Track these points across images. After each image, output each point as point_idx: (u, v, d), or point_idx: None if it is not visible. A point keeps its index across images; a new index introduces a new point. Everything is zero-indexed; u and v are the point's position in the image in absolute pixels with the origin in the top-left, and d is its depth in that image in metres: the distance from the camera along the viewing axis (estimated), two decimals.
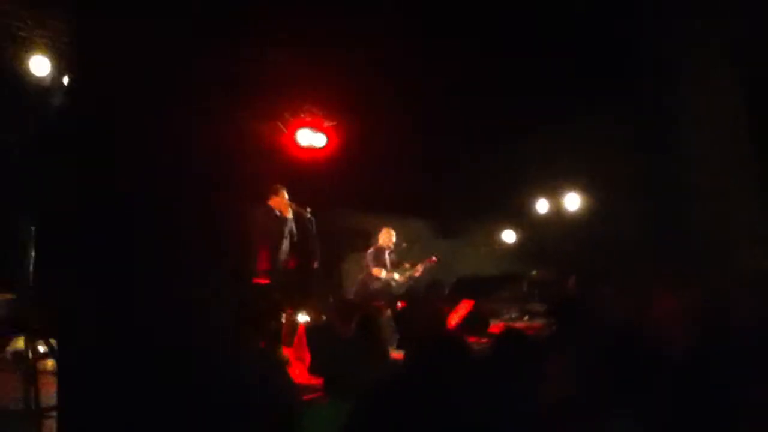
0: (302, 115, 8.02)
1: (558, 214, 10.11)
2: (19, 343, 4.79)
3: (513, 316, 8.39)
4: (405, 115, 8.95)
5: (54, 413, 3.67)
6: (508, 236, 10.76)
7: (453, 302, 7.61)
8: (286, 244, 6.64)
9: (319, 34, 7.28)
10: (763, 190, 8.98)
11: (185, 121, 3.39)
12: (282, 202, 6.65)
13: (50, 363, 4.50)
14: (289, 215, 6.66)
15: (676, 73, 9.55)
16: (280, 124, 7.39)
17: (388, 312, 6.27)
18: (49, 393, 3.83)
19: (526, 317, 8.33)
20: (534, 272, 8.87)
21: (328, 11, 7.09)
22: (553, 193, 10.11)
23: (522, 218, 10.59)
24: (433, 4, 8.05)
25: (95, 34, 3.36)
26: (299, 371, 4.87)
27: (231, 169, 3.70)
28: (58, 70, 5.90)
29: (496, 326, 7.57)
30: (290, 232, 6.66)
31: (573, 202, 9.88)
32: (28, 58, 5.86)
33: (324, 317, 6.50)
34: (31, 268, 4.54)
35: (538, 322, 7.96)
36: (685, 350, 4.06)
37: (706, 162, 9.27)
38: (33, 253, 4.62)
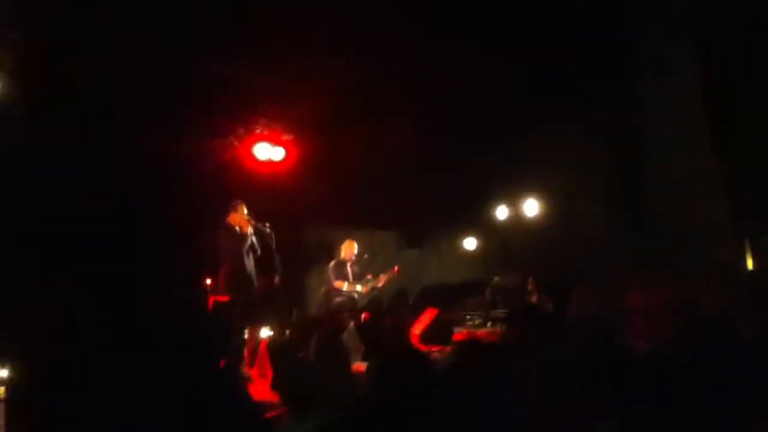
0: (259, 129, 7.95)
1: (518, 220, 10.24)
2: None
3: (476, 323, 8.44)
4: (364, 127, 8.98)
5: None
6: (470, 244, 10.84)
7: (417, 312, 7.62)
8: (247, 261, 6.55)
9: (276, 45, 7.25)
10: (727, 185, 9.25)
11: (139, 141, 3.35)
12: (241, 218, 6.57)
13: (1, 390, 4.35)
14: (249, 231, 6.58)
15: (636, 70, 9.79)
16: (233, 138, 7.31)
17: (352, 324, 6.23)
18: None
19: (489, 324, 8.38)
20: (496, 279, 8.94)
21: (287, 22, 7.07)
22: (513, 199, 10.23)
23: (483, 225, 10.69)
24: (392, 14, 8.11)
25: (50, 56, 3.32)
26: (261, 388, 4.80)
27: (187, 188, 3.66)
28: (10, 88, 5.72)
29: (460, 334, 7.60)
30: (251, 248, 6.57)
31: (531, 207, 10.01)
32: None
33: (287, 333, 6.43)
34: None
35: (501, 329, 8.02)
36: (655, 347, 4.13)
37: (668, 157, 9.51)
38: None
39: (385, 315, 7.52)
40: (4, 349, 3.80)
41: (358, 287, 7.54)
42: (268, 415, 4.09)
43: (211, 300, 5.72)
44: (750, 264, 9.35)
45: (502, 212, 10.18)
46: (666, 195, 9.46)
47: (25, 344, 3.11)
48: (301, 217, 10.28)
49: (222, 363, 4.13)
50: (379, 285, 7.77)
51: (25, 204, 3.12)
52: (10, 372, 3.65)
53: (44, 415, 2.91)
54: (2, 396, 3.98)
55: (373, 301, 7.65)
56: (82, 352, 3.04)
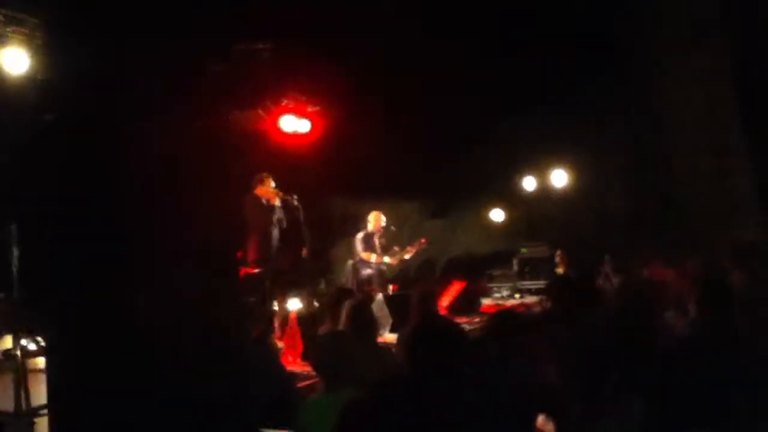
0: (285, 102, 7.94)
1: (545, 191, 10.13)
2: (8, 342, 4.75)
3: (504, 294, 8.42)
4: (389, 97, 8.90)
5: (45, 412, 3.65)
6: (497, 215, 10.76)
7: (445, 283, 7.62)
8: (275, 233, 6.60)
9: (300, 20, 7.20)
10: (754, 163, 9.05)
11: (169, 115, 3.35)
12: (268, 191, 6.61)
13: (40, 361, 4.46)
14: (277, 203, 6.61)
15: (662, 48, 9.58)
16: (260, 111, 7.31)
17: (380, 296, 6.26)
18: (40, 392, 3.81)
19: (518, 295, 8.36)
20: (523, 250, 8.89)
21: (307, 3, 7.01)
22: (540, 170, 10.11)
23: (510, 196, 10.60)
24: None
25: (72, 35, 3.31)
26: (292, 359, 4.86)
27: (216, 161, 3.67)
28: (35, 67, 5.77)
29: (488, 306, 7.60)
30: (278, 220, 6.62)
31: (560, 178, 9.88)
32: (3, 54, 5.70)
33: (316, 304, 6.48)
34: (18, 266, 4.48)
35: (529, 300, 8.00)
36: (684, 323, 4.09)
37: (693, 131, 9.32)
38: (19, 252, 4.55)
39: (413, 286, 7.55)
40: (43, 318, 3.90)
41: (386, 259, 7.55)
42: (300, 385, 4.16)
43: (242, 272, 5.79)
44: None
45: (529, 183, 10.07)
46: (692, 170, 9.31)
47: (64, 315, 3.16)
48: (328, 189, 10.29)
49: (255, 334, 4.18)
50: (407, 257, 7.77)
51: (59, 176, 3.14)
52: (49, 342, 3.73)
53: (83, 386, 2.97)
54: (42, 366, 4.10)
55: (401, 273, 7.67)
56: (119, 319, 3.08)
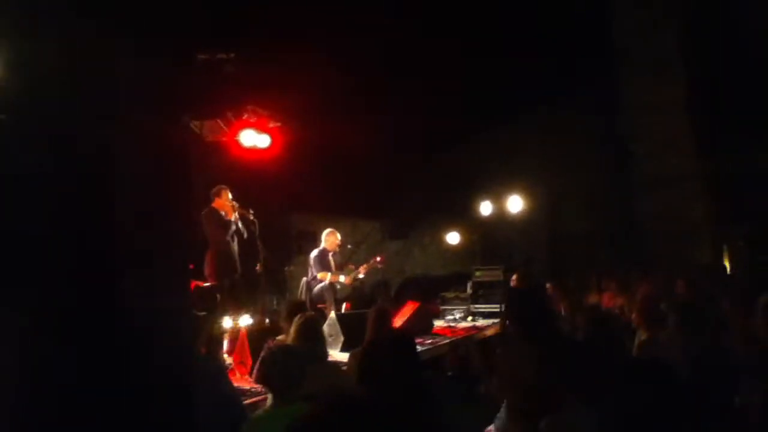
0: (246, 116, 7.90)
1: (501, 215, 10.29)
2: None
3: (457, 317, 8.47)
4: (351, 117, 8.95)
5: None
6: (453, 238, 10.88)
7: (398, 303, 7.63)
8: (232, 247, 6.55)
9: (266, 33, 7.21)
10: (709, 186, 9.40)
11: (125, 124, 3.29)
12: (226, 204, 6.56)
13: None
14: (233, 217, 6.57)
15: (624, 79, 9.91)
16: (221, 123, 7.27)
17: (333, 314, 6.23)
18: None
19: (470, 318, 8.43)
20: (478, 273, 8.98)
21: (277, 10, 7.03)
22: (497, 194, 10.28)
23: (467, 220, 10.73)
24: (383, 10, 8.10)
25: (34, 35, 3.24)
26: (241, 375, 4.80)
27: (176, 170, 3.61)
28: None
29: (440, 328, 7.64)
30: (235, 233, 6.56)
31: (515, 203, 10.06)
32: None
33: (266, 321, 6.42)
34: None
35: (482, 323, 8.07)
36: (636, 342, 4.21)
37: (653, 157, 9.63)
38: None
39: (368, 306, 7.54)
40: None
41: (341, 278, 7.53)
42: (248, 401, 4.09)
43: (193, 285, 5.69)
44: (727, 265, 9.51)
45: (485, 207, 10.22)
46: (651, 194, 9.62)
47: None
48: (285, 205, 10.26)
49: (203, 349, 4.11)
50: (361, 275, 7.76)
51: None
52: None
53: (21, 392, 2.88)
54: None
55: (355, 292, 7.65)
56: (68, 338, 2.99)
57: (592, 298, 7.39)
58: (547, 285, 6.92)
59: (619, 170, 9.98)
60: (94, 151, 3.10)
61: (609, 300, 7.05)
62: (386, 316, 4.88)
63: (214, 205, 6.55)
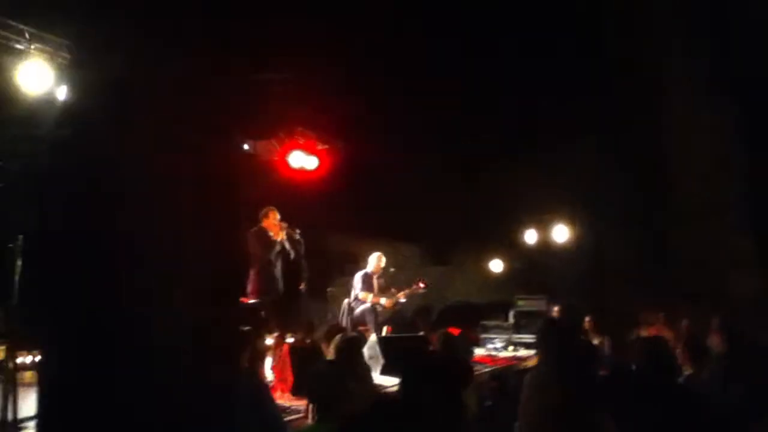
0: (295, 137, 8.07)
1: (546, 244, 10.18)
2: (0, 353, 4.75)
3: (498, 346, 8.38)
4: (398, 142, 9.05)
5: (30, 424, 3.64)
6: (496, 265, 10.80)
7: (439, 329, 7.59)
8: (277, 266, 6.64)
9: (318, 57, 7.39)
10: (753, 217, 9.13)
11: (180, 143, 3.41)
12: (273, 224, 6.68)
13: (29, 375, 4.46)
14: (280, 237, 6.67)
15: (668, 103, 9.74)
16: (274, 142, 7.44)
17: (373, 337, 6.25)
18: (27, 405, 3.80)
19: (511, 348, 8.32)
20: (520, 302, 8.88)
21: (328, 36, 7.21)
22: (542, 223, 10.18)
23: (510, 248, 10.65)
24: (429, 34, 8.21)
25: (94, 57, 3.40)
26: (282, 392, 4.85)
27: (226, 191, 3.72)
28: (56, 83, 5.89)
29: (480, 357, 7.57)
30: (281, 253, 6.66)
31: (561, 233, 9.94)
32: (25, 71, 5.81)
33: (308, 340, 6.47)
34: (18, 279, 4.51)
35: (523, 353, 7.96)
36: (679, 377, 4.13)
37: (697, 192, 9.42)
38: (20, 264, 4.59)
39: (407, 330, 7.54)
40: (35, 333, 3.91)
41: (382, 300, 7.55)
42: (288, 419, 4.14)
43: (240, 302, 5.80)
44: None
45: (530, 236, 10.13)
46: (693, 226, 9.40)
47: (57, 329, 3.18)
48: (329, 226, 10.36)
49: (247, 364, 4.18)
50: (402, 299, 7.77)
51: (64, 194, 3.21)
52: (41, 356, 3.73)
53: (74, 401, 2.97)
54: (34, 380, 4.09)
55: (395, 315, 7.65)
56: (110, 343, 3.10)
57: (641, 332, 7.22)
58: (586, 319, 6.81)
59: (663, 199, 9.79)
60: (146, 169, 3.22)
61: (657, 333, 6.89)
62: (424, 343, 4.90)
63: (262, 225, 6.69)
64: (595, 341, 6.30)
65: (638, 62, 9.59)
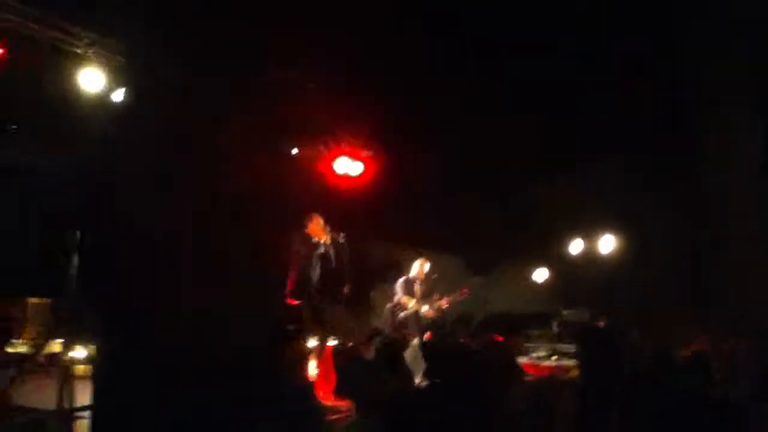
0: (341, 143, 8.16)
1: (592, 256, 10.01)
2: (55, 347, 4.93)
3: (541, 354, 8.28)
4: (442, 150, 9.06)
5: (85, 413, 3.76)
6: (541, 275, 10.67)
7: (480, 337, 7.54)
8: (317, 270, 6.71)
9: (363, 65, 7.48)
10: None
11: (234, 149, 3.50)
12: (318, 229, 6.75)
13: (82, 368, 4.62)
14: (324, 241, 6.74)
15: (713, 120, 9.54)
16: (322, 147, 7.54)
17: (416, 341, 6.26)
18: (81, 396, 3.94)
19: (555, 357, 8.21)
20: (565, 312, 8.76)
21: (373, 47, 7.29)
22: (589, 234, 10.02)
23: (555, 258, 10.51)
24: (478, 45, 8.23)
25: (149, 63, 3.52)
26: (324, 393, 4.89)
27: (275, 196, 3.79)
28: (111, 86, 6.09)
29: (524, 364, 7.48)
30: (325, 256, 6.72)
31: (607, 244, 9.76)
32: (80, 74, 6.02)
33: (350, 343, 6.52)
34: (74, 275, 4.69)
35: (566, 363, 7.84)
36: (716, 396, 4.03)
37: (744, 209, 9.17)
38: (76, 261, 4.76)
39: (448, 337, 7.51)
40: (89, 328, 4.06)
41: (424, 307, 7.55)
42: (330, 418, 4.18)
43: (286, 303, 5.90)
44: None
45: (576, 246, 9.97)
46: (739, 256, 9.15)
47: (109, 325, 3.29)
48: (373, 232, 10.41)
49: (290, 362, 4.24)
50: (445, 306, 7.76)
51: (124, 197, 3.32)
52: (95, 351, 3.85)
53: (128, 393, 3.07)
54: (87, 373, 4.24)
55: (437, 321, 7.64)
56: (159, 340, 3.19)
57: (684, 351, 7.05)
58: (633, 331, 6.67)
59: (706, 222, 9.57)
60: (198, 171, 3.31)
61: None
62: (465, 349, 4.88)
63: (306, 230, 6.77)
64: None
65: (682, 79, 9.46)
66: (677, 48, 9.39)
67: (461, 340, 7.22)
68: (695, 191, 9.80)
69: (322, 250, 6.70)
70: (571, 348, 8.34)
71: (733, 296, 8.95)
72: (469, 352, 4.92)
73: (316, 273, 6.65)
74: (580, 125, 9.45)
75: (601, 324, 7.37)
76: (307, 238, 6.71)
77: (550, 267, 10.68)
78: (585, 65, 8.92)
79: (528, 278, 11.03)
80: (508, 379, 3.05)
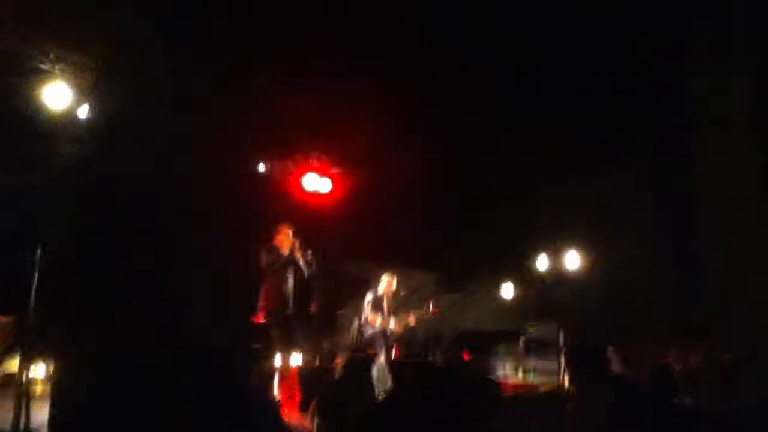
0: (310, 160, 8.18)
1: (558, 271, 10.13)
2: (12, 365, 4.81)
3: (508, 372, 8.33)
4: (411, 168, 9.12)
5: None
6: (507, 291, 10.77)
7: (451, 355, 7.56)
8: (288, 284, 6.64)
9: (332, 81, 7.53)
10: None
11: (197, 162, 3.51)
12: (285, 240, 6.69)
13: (40, 388, 4.52)
14: (292, 255, 6.69)
15: (690, 127, 9.73)
16: (290, 163, 7.54)
17: (382, 359, 6.25)
18: (38, 416, 3.85)
19: (520, 374, 8.28)
20: (532, 329, 8.84)
21: (344, 61, 7.35)
22: (554, 250, 10.15)
23: (521, 274, 10.62)
24: (450, 59, 8.33)
25: (118, 78, 3.52)
26: (289, 411, 4.86)
27: (239, 209, 3.80)
28: (77, 102, 6.02)
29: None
30: (292, 271, 6.66)
31: (573, 260, 9.90)
32: (47, 90, 5.94)
33: (317, 360, 6.49)
34: (33, 293, 4.60)
35: (535, 380, 7.91)
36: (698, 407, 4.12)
37: (721, 219, 9.35)
38: (35, 279, 4.67)
39: (417, 351, 7.53)
40: (54, 341, 3.98)
41: (392, 323, 7.55)
42: None
43: (251, 321, 5.84)
44: None
45: (542, 262, 10.09)
46: (717, 263, 9.30)
47: (70, 342, 3.24)
48: (342, 249, 10.40)
49: (256, 381, 4.22)
50: (413, 323, 7.76)
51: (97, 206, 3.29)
52: (55, 365, 3.78)
53: (86, 411, 3.02)
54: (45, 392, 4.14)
55: (405, 339, 7.65)
56: (123, 357, 3.15)
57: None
58: (609, 348, 6.74)
59: (681, 233, 9.75)
60: (166, 184, 3.31)
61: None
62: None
63: (274, 242, 6.72)
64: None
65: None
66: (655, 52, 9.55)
67: (430, 358, 7.25)
68: (662, 202, 9.98)
69: (290, 265, 6.64)
70: (535, 364, 8.43)
71: (707, 314, 9.09)
72: (439, 368, 4.94)
73: (288, 285, 6.57)
74: (546, 139, 9.59)
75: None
76: (275, 250, 6.63)
77: (518, 283, 10.79)
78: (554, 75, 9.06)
79: (497, 296, 11.13)
80: (483, 394, 3.07)
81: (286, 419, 4.53)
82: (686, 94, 9.85)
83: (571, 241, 9.98)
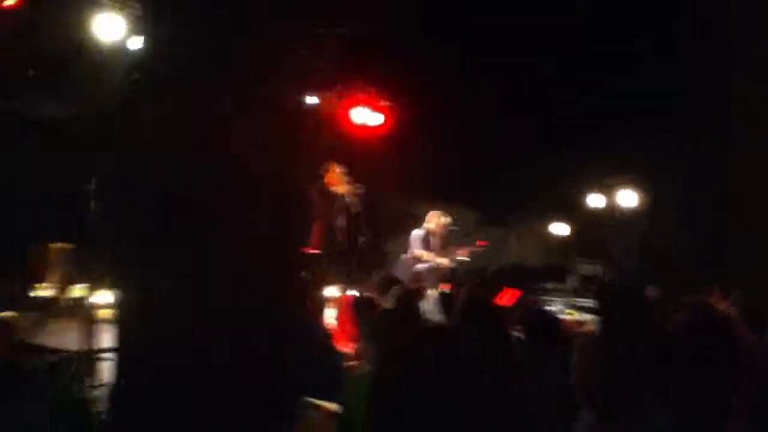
0: (357, 93, 8.05)
1: (610, 210, 9.93)
2: (79, 291, 5.01)
3: (557, 309, 8.29)
4: (463, 103, 8.95)
5: (108, 355, 3.84)
6: (558, 228, 10.63)
7: (495, 290, 7.55)
8: (338, 221, 6.72)
9: (381, 15, 7.33)
10: None
11: (247, 100, 3.45)
12: (336, 178, 6.72)
13: (105, 312, 4.70)
14: (342, 192, 6.73)
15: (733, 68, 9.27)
16: (335, 97, 7.45)
17: (432, 292, 6.28)
18: (103, 339, 4.02)
19: (570, 311, 8.22)
20: (585, 266, 8.74)
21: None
22: (609, 188, 9.92)
23: (572, 211, 10.45)
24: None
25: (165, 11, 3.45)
26: (342, 341, 4.95)
27: (286, 142, 3.75)
28: (128, 34, 6.01)
29: None
30: (343, 206, 6.72)
31: (628, 198, 9.64)
32: (99, 21, 5.93)
33: (367, 292, 6.56)
34: (95, 219, 4.73)
35: (582, 317, 7.85)
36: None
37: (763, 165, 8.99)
38: (96, 206, 4.80)
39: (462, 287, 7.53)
40: (114, 270, 4.10)
41: (440, 258, 7.56)
42: (348, 364, 4.24)
43: (302, 251, 5.92)
44: None
45: (595, 200, 9.88)
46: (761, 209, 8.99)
47: (134, 269, 3.31)
48: (391, 184, 10.39)
49: (308, 310, 4.29)
50: (461, 258, 7.76)
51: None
52: (119, 295, 3.90)
53: (151, 337, 3.11)
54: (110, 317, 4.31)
55: (454, 273, 7.66)
56: (185, 277, 3.19)
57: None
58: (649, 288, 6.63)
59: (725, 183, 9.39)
60: (212, 119, 3.28)
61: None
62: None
63: (324, 180, 6.75)
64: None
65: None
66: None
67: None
68: (716, 151, 9.62)
69: (341, 200, 6.69)
70: (586, 302, 8.36)
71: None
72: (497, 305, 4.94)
73: (338, 219, 6.65)
74: (601, 90, 9.28)
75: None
76: (325, 189, 6.69)
77: (568, 220, 10.63)
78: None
79: (544, 232, 11.01)
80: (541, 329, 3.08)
81: (337, 348, 4.63)
82: (724, 43, 9.35)
83: (627, 180, 9.72)
